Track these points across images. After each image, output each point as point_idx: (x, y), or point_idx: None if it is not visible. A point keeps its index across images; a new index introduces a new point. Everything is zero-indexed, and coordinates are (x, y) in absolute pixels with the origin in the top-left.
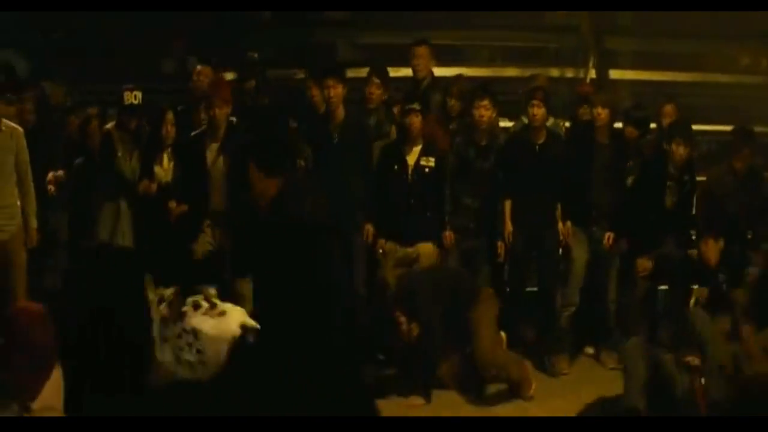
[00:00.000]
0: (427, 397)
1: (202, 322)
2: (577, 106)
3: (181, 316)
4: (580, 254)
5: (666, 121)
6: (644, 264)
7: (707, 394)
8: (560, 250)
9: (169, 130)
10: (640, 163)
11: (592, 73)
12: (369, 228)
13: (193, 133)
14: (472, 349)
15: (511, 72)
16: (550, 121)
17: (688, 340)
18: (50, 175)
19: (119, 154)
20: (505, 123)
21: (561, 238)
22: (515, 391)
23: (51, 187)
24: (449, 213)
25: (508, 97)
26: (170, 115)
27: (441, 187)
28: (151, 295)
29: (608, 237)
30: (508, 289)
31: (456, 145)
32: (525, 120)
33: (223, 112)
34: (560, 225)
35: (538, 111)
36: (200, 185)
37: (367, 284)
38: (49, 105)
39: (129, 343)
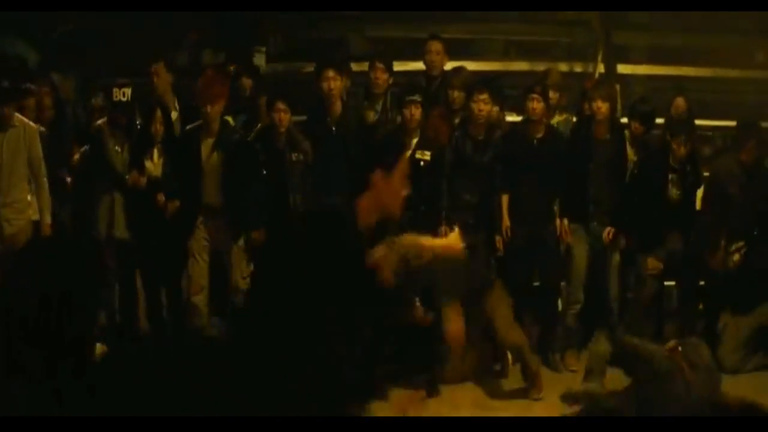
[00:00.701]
0: (435, 392)
1: None
2: (581, 101)
3: None
4: (580, 251)
5: (677, 115)
6: (654, 263)
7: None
8: (560, 246)
9: (158, 128)
10: (642, 156)
11: (601, 68)
12: None
13: (187, 128)
14: (492, 332)
15: (521, 66)
16: (560, 117)
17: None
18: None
19: (110, 147)
20: (513, 117)
21: (559, 233)
22: (530, 380)
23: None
24: (447, 208)
25: (519, 92)
26: (159, 114)
27: (437, 182)
28: None
29: (608, 232)
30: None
31: (454, 139)
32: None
33: (216, 109)
34: (557, 221)
35: (537, 105)
36: (194, 180)
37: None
38: (61, 98)
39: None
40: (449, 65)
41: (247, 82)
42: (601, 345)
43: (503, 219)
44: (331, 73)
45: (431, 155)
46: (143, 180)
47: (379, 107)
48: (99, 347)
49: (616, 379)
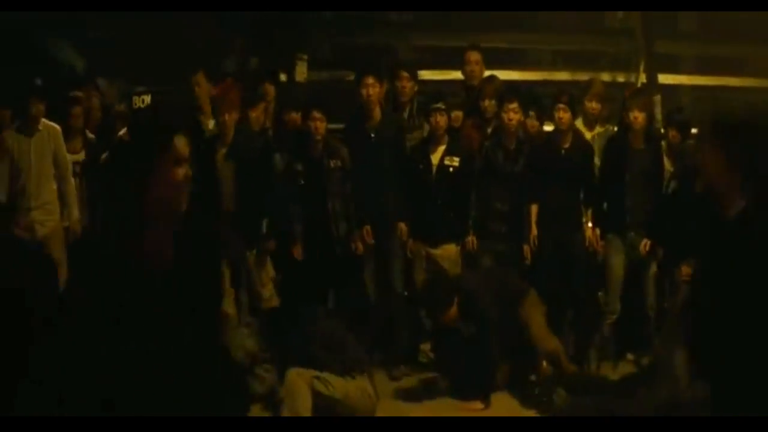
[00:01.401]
0: (487, 401)
1: None
2: (623, 111)
3: None
4: (617, 261)
5: None
6: (689, 270)
7: None
8: (589, 256)
9: None
10: (681, 167)
11: (644, 78)
12: (402, 227)
13: (204, 137)
14: (527, 340)
15: (564, 76)
16: (602, 128)
17: None
18: None
19: None
20: (550, 127)
21: (588, 244)
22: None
23: None
24: (475, 217)
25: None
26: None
27: (466, 189)
28: None
29: (645, 244)
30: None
31: (485, 149)
32: (578, 124)
33: (231, 118)
34: (588, 231)
35: (564, 115)
36: (211, 189)
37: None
38: (106, 104)
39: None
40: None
41: (270, 88)
42: None
43: (531, 228)
44: (370, 80)
45: (460, 161)
46: None
47: (406, 115)
48: None
49: None
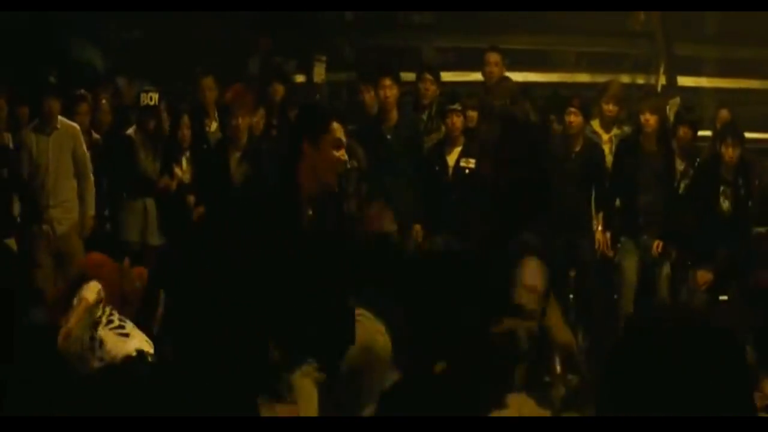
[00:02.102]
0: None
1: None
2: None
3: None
4: (630, 264)
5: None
6: (705, 277)
7: None
8: (600, 259)
9: (185, 133)
10: (694, 168)
11: (663, 80)
12: (418, 229)
13: (216, 140)
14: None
15: (583, 78)
16: (618, 130)
17: None
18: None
19: (141, 156)
20: None
21: (598, 246)
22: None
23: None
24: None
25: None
26: (186, 119)
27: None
28: None
29: (657, 245)
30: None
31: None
32: (594, 126)
33: (245, 122)
34: (599, 234)
35: (575, 119)
36: (224, 192)
37: None
38: (122, 103)
39: None
40: (518, 76)
41: (279, 88)
42: None
43: None
44: (387, 82)
45: (476, 162)
46: (173, 184)
47: (425, 116)
48: None
49: None
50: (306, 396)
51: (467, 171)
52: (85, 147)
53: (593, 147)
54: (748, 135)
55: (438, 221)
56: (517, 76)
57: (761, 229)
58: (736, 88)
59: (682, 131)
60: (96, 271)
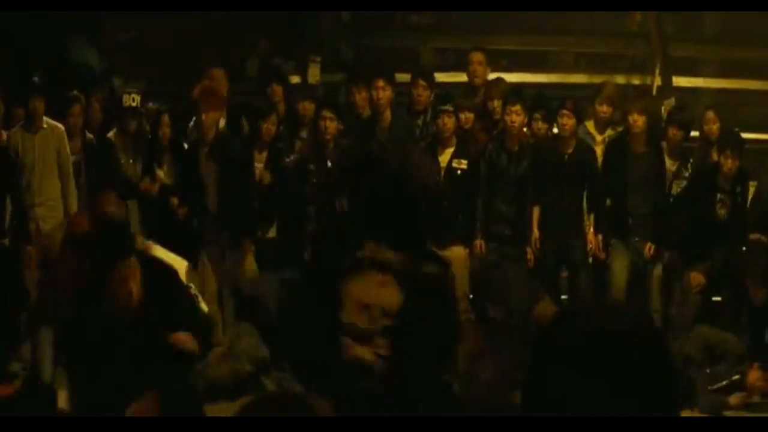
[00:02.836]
0: None
1: None
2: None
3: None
4: (619, 266)
5: (707, 128)
6: (698, 279)
7: None
8: (591, 260)
9: (165, 132)
10: (688, 172)
11: (659, 81)
12: None
13: (191, 138)
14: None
15: (580, 78)
16: (613, 131)
17: None
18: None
19: (122, 158)
20: None
21: (589, 248)
22: None
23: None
24: (482, 221)
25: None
26: (166, 118)
27: (474, 192)
28: None
29: (649, 248)
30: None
31: (488, 152)
32: (589, 127)
33: (210, 118)
34: (590, 236)
35: (568, 121)
36: (197, 189)
37: None
38: (117, 104)
39: None
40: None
41: (277, 89)
42: None
43: (533, 231)
44: (380, 83)
45: (468, 164)
46: (155, 187)
47: (420, 122)
48: None
49: None
50: None
51: (459, 172)
52: (68, 149)
53: (586, 149)
54: (747, 136)
55: (430, 221)
56: (514, 77)
57: (758, 236)
58: (735, 88)
59: (672, 131)
60: None
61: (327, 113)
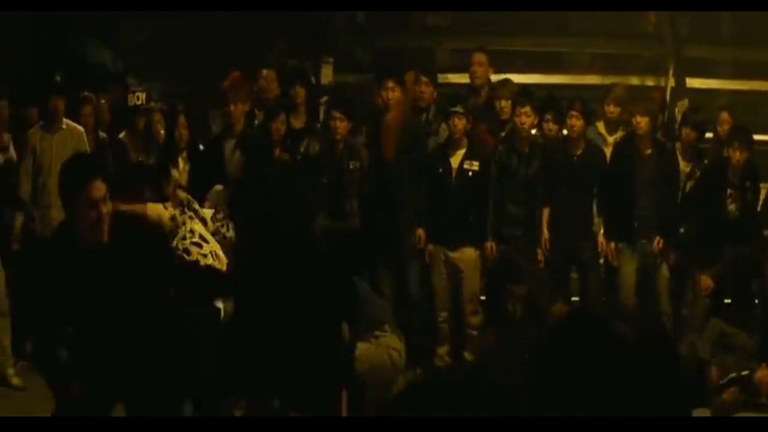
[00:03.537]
0: None
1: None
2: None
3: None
4: (628, 270)
5: (722, 129)
6: (707, 282)
7: None
8: (601, 262)
9: (182, 132)
10: (699, 171)
11: (673, 82)
12: (420, 233)
13: (214, 133)
14: None
15: (593, 79)
16: (621, 132)
17: None
18: None
19: (132, 158)
20: None
21: (600, 250)
22: None
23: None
24: (492, 222)
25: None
26: (183, 119)
27: (485, 193)
28: None
29: (658, 241)
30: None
31: (497, 153)
32: (599, 128)
33: (239, 109)
34: (601, 238)
35: (576, 122)
36: (218, 182)
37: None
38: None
39: None
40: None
41: (300, 91)
42: None
43: (542, 232)
44: (390, 83)
45: (479, 165)
46: (170, 188)
47: (423, 119)
48: None
49: None
50: None
51: (470, 174)
52: (87, 149)
53: (595, 150)
54: (761, 137)
55: (437, 224)
56: (529, 78)
57: None
58: (750, 90)
59: (686, 132)
60: None
61: (337, 113)
